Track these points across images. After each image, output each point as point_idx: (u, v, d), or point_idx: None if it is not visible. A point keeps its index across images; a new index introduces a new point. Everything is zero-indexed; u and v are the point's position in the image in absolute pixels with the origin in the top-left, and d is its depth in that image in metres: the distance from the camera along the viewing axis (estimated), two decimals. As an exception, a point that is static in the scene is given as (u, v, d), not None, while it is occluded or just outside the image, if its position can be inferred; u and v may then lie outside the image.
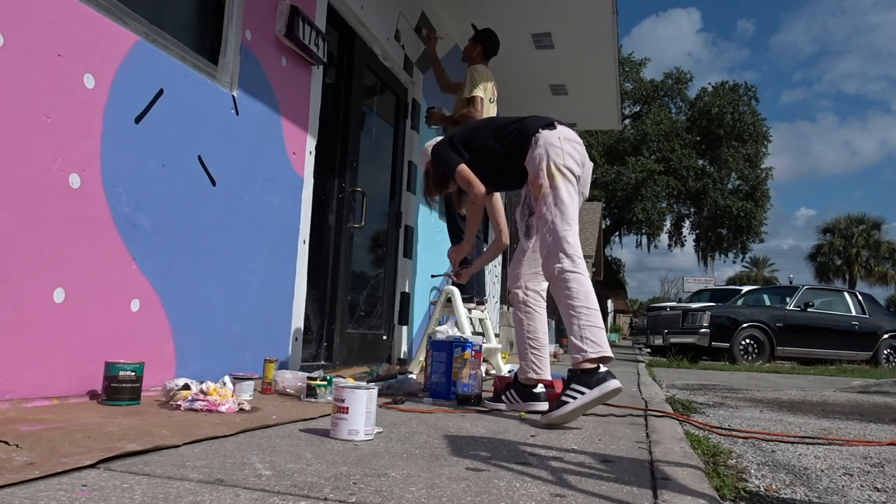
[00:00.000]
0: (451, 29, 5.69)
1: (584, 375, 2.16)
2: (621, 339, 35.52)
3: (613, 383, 2.19)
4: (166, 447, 1.51)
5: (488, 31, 4.68)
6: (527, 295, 2.75)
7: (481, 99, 4.36)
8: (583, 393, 2.06)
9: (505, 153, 2.70)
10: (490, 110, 4.45)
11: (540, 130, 2.59)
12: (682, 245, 31.54)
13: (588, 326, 2.30)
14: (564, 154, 2.53)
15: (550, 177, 2.52)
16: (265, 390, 2.72)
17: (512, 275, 2.81)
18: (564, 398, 2.12)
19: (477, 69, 4.45)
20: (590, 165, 2.70)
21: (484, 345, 3.30)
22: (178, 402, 2.13)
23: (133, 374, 2.11)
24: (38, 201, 1.95)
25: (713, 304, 11.31)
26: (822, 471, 2.03)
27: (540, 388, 2.68)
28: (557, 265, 2.43)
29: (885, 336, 10.91)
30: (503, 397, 2.72)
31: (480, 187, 2.77)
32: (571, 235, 2.46)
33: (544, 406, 2.63)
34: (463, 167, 2.79)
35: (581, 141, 2.66)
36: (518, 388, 2.70)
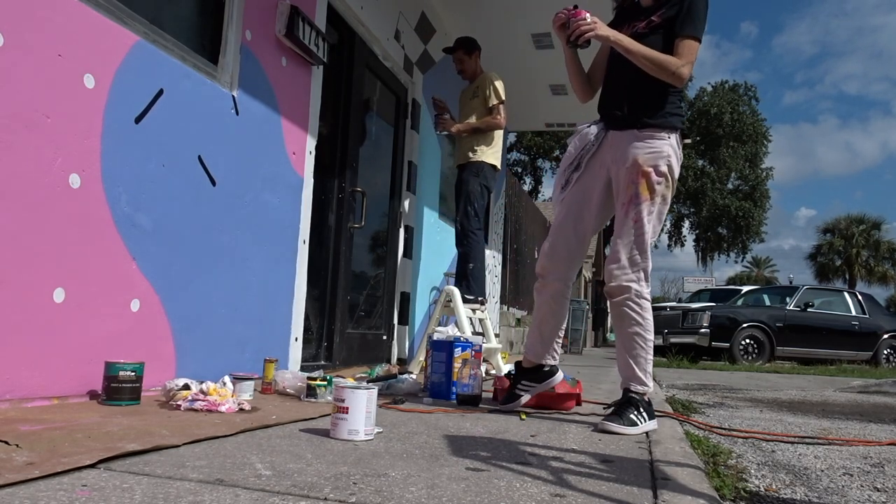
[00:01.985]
0: (452, 29, 5.69)
1: (650, 406, 2.35)
2: None
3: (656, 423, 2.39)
4: (166, 447, 1.51)
5: (469, 37, 4.73)
6: (566, 286, 2.60)
7: (505, 105, 4.45)
8: (645, 421, 2.28)
9: (651, 81, 2.36)
10: None
11: (678, 130, 2.39)
12: (682, 245, 31.56)
13: (651, 362, 2.40)
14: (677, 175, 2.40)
15: (666, 188, 2.36)
16: (265, 390, 2.72)
17: (552, 261, 2.56)
18: (635, 417, 2.25)
19: (491, 75, 4.52)
20: None
21: (484, 345, 3.30)
22: (178, 402, 2.13)
23: (133, 374, 2.11)
24: (38, 201, 1.95)
25: (713, 304, 11.30)
26: (822, 471, 2.03)
27: (548, 366, 2.66)
28: (636, 286, 2.36)
29: (885, 336, 10.91)
30: (517, 390, 2.66)
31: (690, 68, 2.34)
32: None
33: (560, 377, 2.67)
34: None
35: None
36: (528, 373, 2.66)
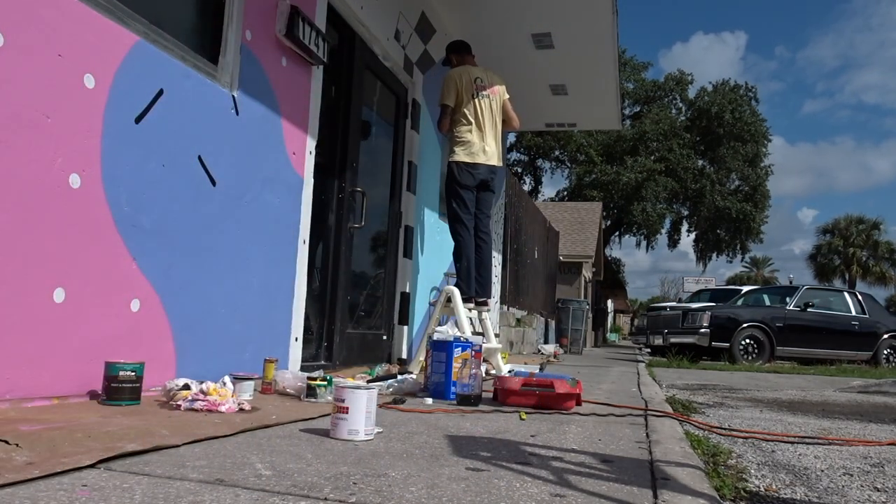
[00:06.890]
0: (451, 29, 5.69)
1: None
2: (621, 338, 35.57)
3: None
4: (166, 447, 1.51)
5: (454, 41, 4.85)
6: None
7: (445, 107, 4.53)
8: None
9: None
10: (482, 105, 4.52)
11: None
12: (679, 244, 31.57)
13: None
14: None
15: None
16: (265, 390, 2.71)
17: None
18: None
19: (446, 76, 4.61)
20: None
21: (484, 345, 3.30)
22: (178, 402, 2.13)
23: (133, 374, 2.11)
24: (38, 201, 1.95)
25: (713, 304, 11.30)
26: (822, 471, 2.03)
27: None
28: None
29: (885, 336, 10.90)
30: None
31: None
32: None
33: None
34: None
35: None
36: None
